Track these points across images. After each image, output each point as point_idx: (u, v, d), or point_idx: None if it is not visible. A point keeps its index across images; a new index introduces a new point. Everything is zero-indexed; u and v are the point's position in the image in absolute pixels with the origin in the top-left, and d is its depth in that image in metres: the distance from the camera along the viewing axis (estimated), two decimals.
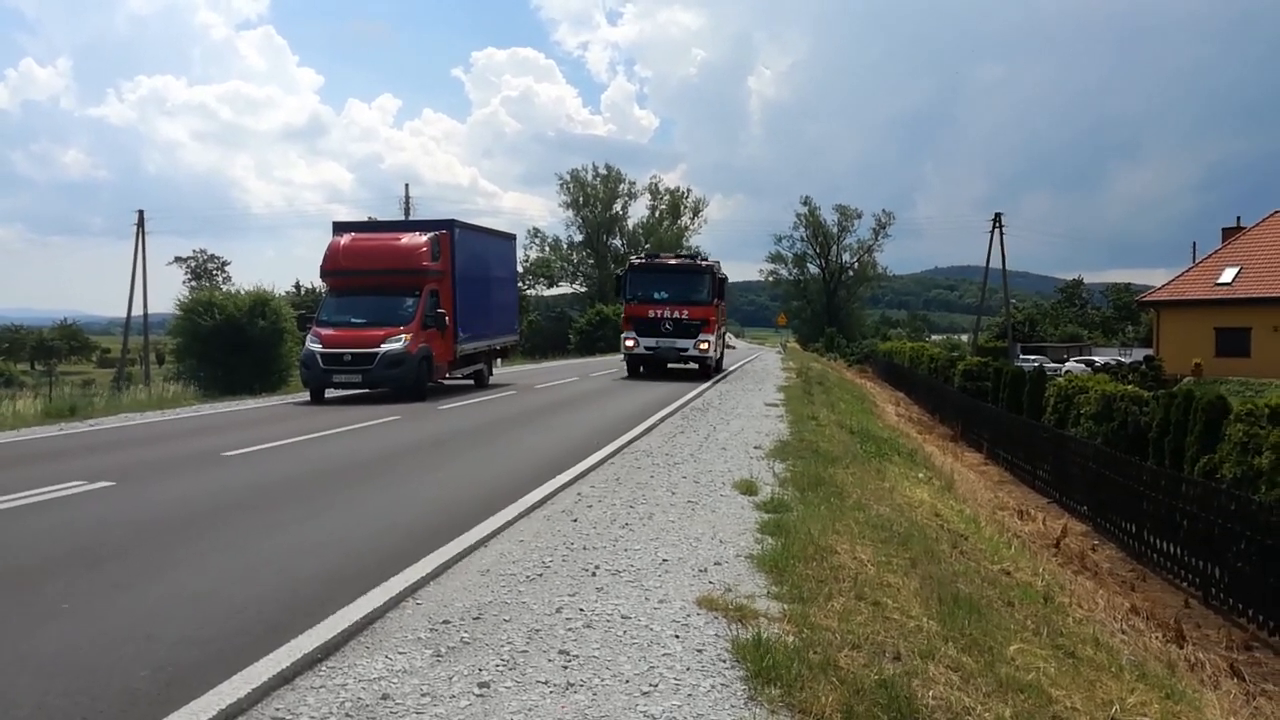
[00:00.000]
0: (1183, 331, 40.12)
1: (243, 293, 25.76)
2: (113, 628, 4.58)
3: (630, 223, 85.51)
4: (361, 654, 4.20)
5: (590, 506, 7.56)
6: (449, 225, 19.30)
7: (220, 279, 78.35)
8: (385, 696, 3.73)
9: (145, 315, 52.15)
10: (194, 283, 75.93)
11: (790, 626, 4.53)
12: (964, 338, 78.74)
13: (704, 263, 25.22)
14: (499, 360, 24.38)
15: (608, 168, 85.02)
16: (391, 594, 4.99)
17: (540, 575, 5.49)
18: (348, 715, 3.56)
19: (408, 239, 18.47)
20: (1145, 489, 12.29)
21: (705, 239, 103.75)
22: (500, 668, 4.04)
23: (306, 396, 17.61)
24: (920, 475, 11.92)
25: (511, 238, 25.17)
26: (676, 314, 23.61)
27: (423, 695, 3.75)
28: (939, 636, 4.67)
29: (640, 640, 4.40)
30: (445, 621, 4.64)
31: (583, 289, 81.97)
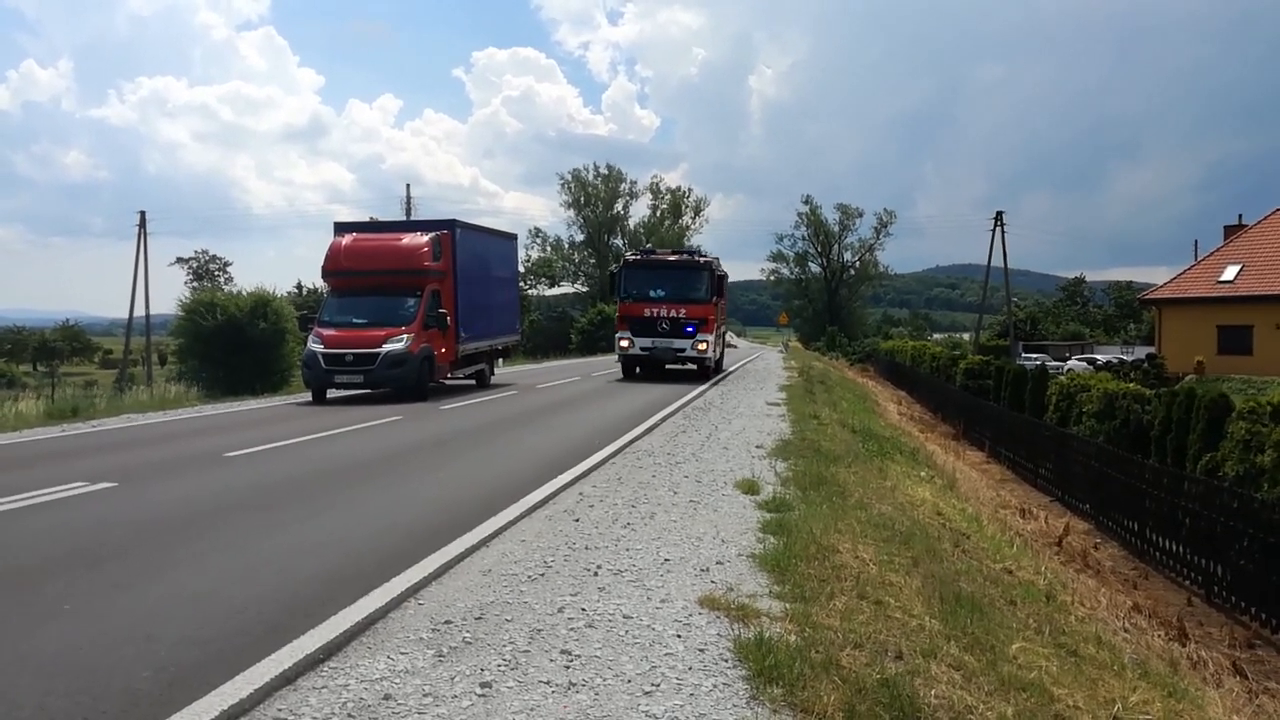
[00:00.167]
0: (1185, 329, 40.06)
1: (244, 293, 25.80)
2: (114, 628, 4.58)
3: (632, 222, 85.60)
4: (363, 654, 4.20)
5: (592, 506, 7.56)
6: (450, 225, 19.31)
7: (222, 279, 78.44)
8: (387, 697, 3.73)
9: (147, 316, 52.21)
10: (195, 283, 75.92)
11: (792, 626, 4.52)
12: (966, 336, 78.64)
13: (702, 259, 24.34)
14: (500, 360, 24.36)
15: (609, 167, 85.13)
16: (393, 594, 4.99)
17: (542, 575, 5.49)
18: (350, 715, 3.56)
19: (409, 239, 18.47)
20: (1147, 487, 12.27)
21: (706, 238, 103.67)
22: (502, 668, 4.04)
23: (308, 397, 17.63)
24: (922, 474, 11.91)
25: (513, 237, 25.18)
26: (673, 313, 22.73)
27: (425, 695, 3.74)
28: (941, 635, 4.66)
29: (642, 640, 4.40)
30: (447, 621, 4.64)
31: (584, 289, 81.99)
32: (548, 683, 3.87)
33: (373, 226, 21.77)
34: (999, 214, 59.03)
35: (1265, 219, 41.67)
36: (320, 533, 6.78)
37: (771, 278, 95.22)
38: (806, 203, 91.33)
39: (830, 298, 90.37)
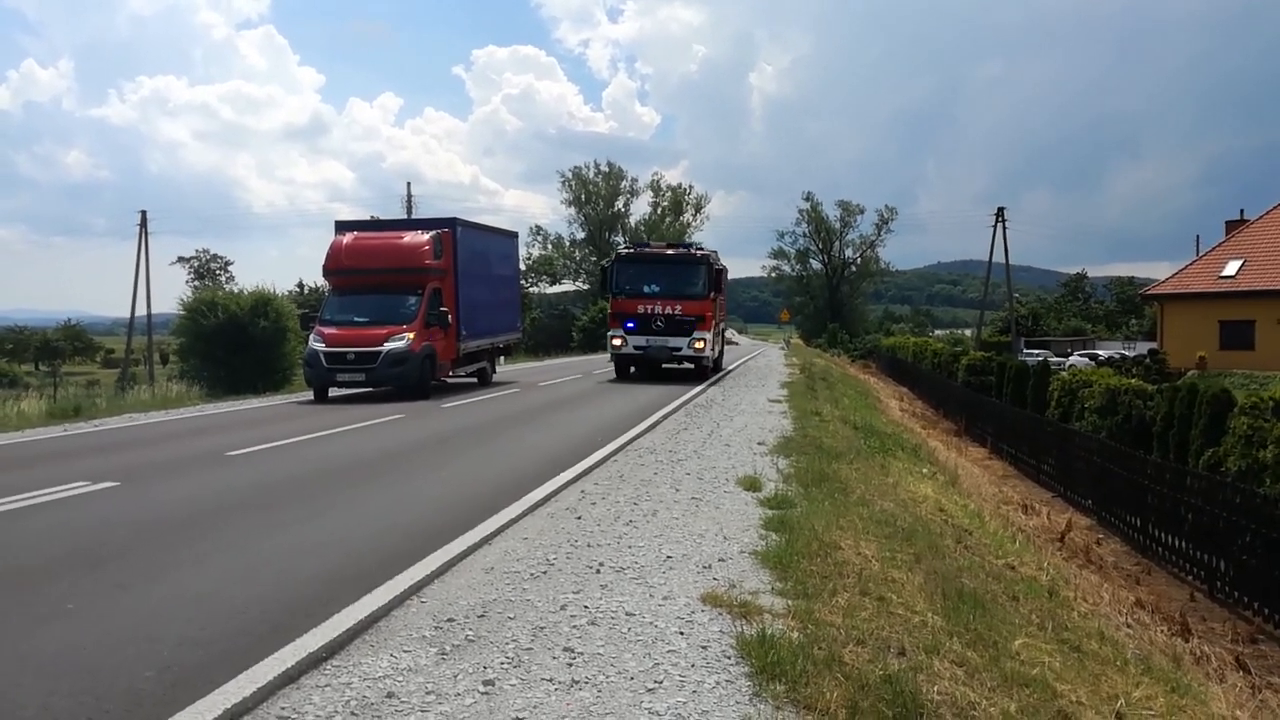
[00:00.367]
0: (1187, 325, 40.03)
1: (245, 292, 25.80)
2: (117, 628, 4.59)
3: (632, 220, 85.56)
4: (366, 652, 4.20)
5: (594, 504, 7.56)
6: (451, 223, 19.31)
7: (223, 279, 78.46)
8: (390, 695, 3.73)
9: (149, 315, 52.26)
10: (197, 282, 75.94)
11: (795, 622, 4.52)
12: (967, 332, 78.55)
13: (699, 252, 23.08)
14: (502, 358, 24.36)
15: (609, 165, 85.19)
16: (396, 592, 4.99)
17: (544, 573, 5.49)
18: (353, 714, 3.56)
19: (410, 237, 18.49)
20: (1150, 483, 12.26)
21: (708, 235, 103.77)
22: (505, 665, 4.04)
23: (310, 395, 17.65)
24: (924, 470, 11.90)
25: (514, 235, 25.18)
26: (669, 309, 21.57)
27: (428, 693, 3.75)
28: (944, 632, 4.66)
29: (645, 637, 4.40)
30: (450, 619, 4.64)
31: (585, 286, 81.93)
32: (550, 680, 3.87)
33: (374, 225, 21.80)
34: (1000, 210, 59.12)
35: (1267, 214, 41.61)
36: (322, 532, 6.79)
37: (773, 275, 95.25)
38: (808, 199, 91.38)
39: (832, 294, 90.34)
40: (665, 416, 14.47)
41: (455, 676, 3.92)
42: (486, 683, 3.84)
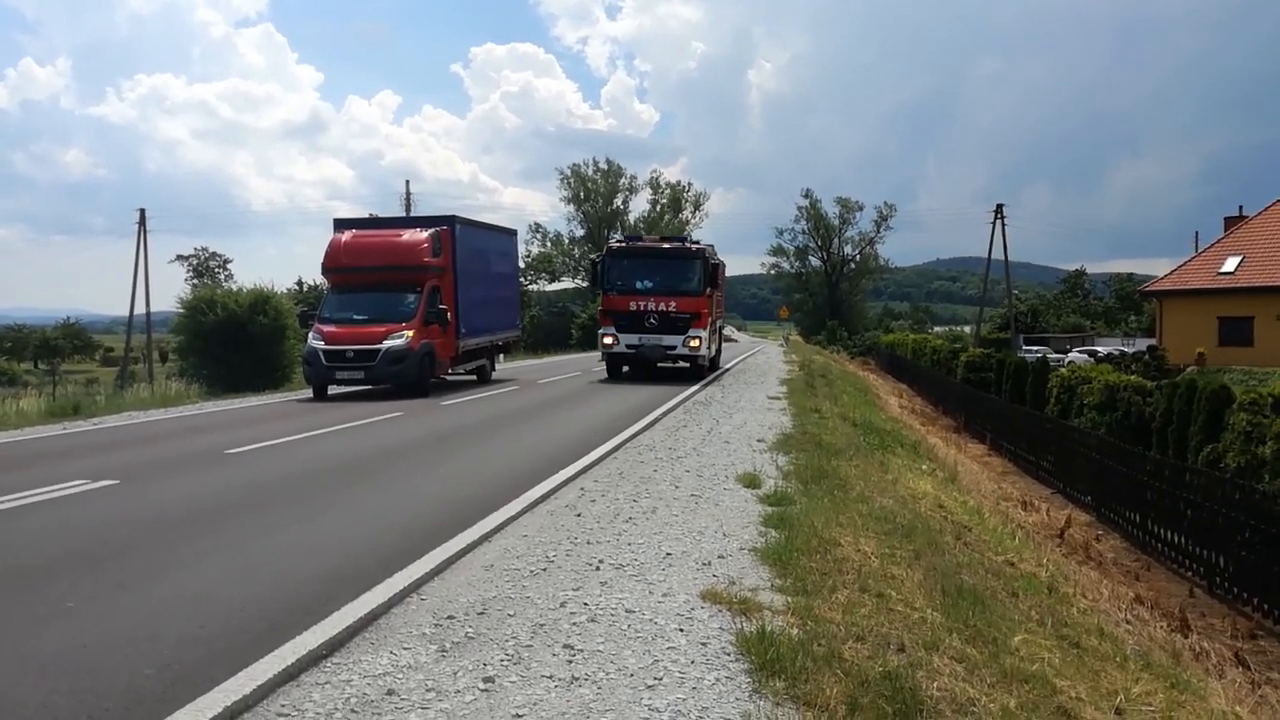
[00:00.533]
0: (1186, 321, 40.03)
1: (244, 290, 25.79)
2: (117, 627, 4.59)
3: (631, 217, 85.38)
4: (366, 650, 4.21)
5: (593, 501, 7.56)
6: (450, 221, 19.30)
7: (222, 276, 78.46)
8: (390, 692, 3.73)
9: (148, 313, 52.17)
10: (196, 281, 75.87)
11: (794, 619, 4.53)
12: (966, 329, 78.57)
13: (694, 246, 21.81)
14: (501, 356, 24.34)
15: (608, 162, 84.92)
16: (395, 590, 4.99)
17: (544, 570, 5.49)
18: (353, 710, 3.57)
19: (409, 235, 18.47)
20: (1149, 479, 12.27)
21: (707, 232, 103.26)
22: (505, 662, 4.04)
23: (309, 393, 17.65)
24: (923, 467, 11.91)
25: (512, 233, 25.15)
26: (662, 306, 20.50)
27: (428, 690, 3.75)
28: (943, 628, 4.66)
29: (644, 634, 4.40)
30: (450, 617, 4.64)
31: (584, 284, 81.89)
32: (550, 677, 3.88)
33: (372, 223, 21.77)
34: (999, 207, 59.05)
35: (1265, 210, 41.58)
36: (321, 531, 6.79)
37: (772, 272, 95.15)
38: (806, 196, 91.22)
39: (831, 291, 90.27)
40: (664, 414, 14.47)
41: (455, 673, 3.92)
42: (486, 680, 3.84)
